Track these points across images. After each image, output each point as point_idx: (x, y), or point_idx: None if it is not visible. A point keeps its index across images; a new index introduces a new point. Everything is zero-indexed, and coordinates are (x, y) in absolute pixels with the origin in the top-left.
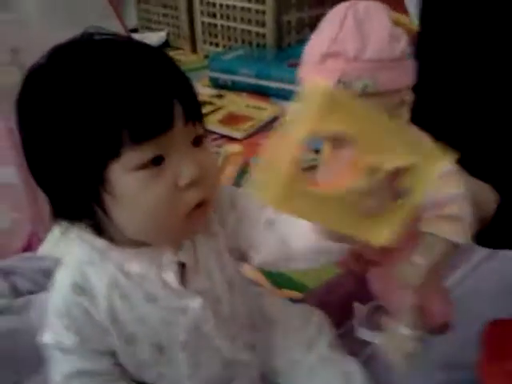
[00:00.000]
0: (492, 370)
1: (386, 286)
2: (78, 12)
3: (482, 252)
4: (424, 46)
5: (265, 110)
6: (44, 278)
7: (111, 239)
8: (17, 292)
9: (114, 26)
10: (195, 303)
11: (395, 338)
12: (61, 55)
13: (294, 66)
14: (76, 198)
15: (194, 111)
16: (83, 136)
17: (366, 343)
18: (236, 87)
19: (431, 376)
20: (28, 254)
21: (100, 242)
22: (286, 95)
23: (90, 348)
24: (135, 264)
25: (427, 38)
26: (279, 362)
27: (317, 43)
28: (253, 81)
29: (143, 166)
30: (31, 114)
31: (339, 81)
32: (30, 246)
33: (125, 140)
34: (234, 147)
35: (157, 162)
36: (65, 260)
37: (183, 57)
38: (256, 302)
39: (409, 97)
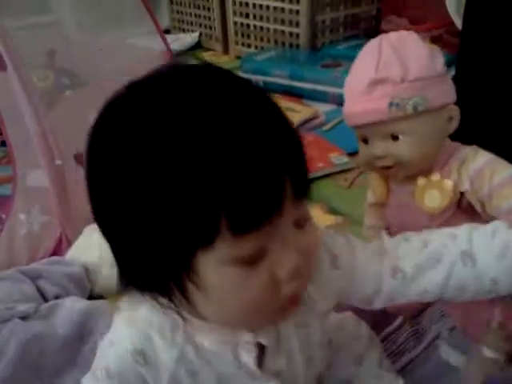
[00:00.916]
0: None
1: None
2: (112, 14)
3: None
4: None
5: (298, 111)
6: (70, 283)
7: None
8: (43, 296)
9: (148, 27)
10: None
11: (479, 360)
12: (146, 106)
13: (328, 67)
14: (153, 274)
15: (305, 186)
16: (172, 213)
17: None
18: (268, 88)
19: None
20: (56, 259)
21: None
22: (319, 96)
23: None
24: (209, 340)
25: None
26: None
27: (358, 76)
28: (286, 82)
29: (240, 261)
30: (109, 175)
31: (391, 104)
32: (58, 250)
33: (222, 227)
34: None
35: (257, 255)
36: (128, 314)
37: (215, 58)
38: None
39: (455, 112)
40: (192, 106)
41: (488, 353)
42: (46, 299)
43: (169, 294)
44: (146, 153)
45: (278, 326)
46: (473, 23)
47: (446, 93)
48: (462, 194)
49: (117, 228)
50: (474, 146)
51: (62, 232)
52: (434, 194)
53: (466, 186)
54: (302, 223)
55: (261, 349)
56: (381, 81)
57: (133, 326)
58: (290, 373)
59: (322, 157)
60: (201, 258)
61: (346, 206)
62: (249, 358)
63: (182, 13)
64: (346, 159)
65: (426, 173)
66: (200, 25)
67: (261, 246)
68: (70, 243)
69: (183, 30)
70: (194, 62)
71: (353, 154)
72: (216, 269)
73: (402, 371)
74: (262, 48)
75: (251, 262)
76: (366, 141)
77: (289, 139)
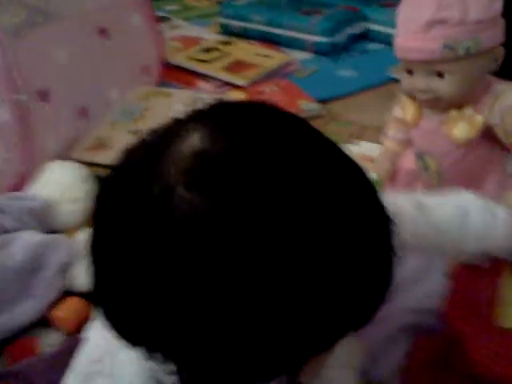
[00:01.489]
0: (456, 314)
1: None
2: None
3: None
4: None
5: (272, 58)
6: (31, 217)
7: None
8: (2, 229)
9: None
10: None
11: None
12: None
13: (308, 13)
14: None
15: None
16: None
17: None
18: (247, 34)
19: (402, 318)
20: (17, 194)
21: None
22: (296, 44)
23: None
24: None
25: None
26: None
27: (417, 12)
28: (264, 28)
29: None
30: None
31: (445, 45)
32: (21, 186)
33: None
34: (238, 94)
35: None
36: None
37: (196, 2)
38: None
39: (501, 52)
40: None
41: None
42: (4, 232)
43: None
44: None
45: None
46: None
47: (498, 35)
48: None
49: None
50: (509, 82)
51: (25, 168)
52: (463, 126)
53: (496, 120)
54: None
55: None
56: (439, 21)
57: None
58: None
59: (291, 103)
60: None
61: None
62: None
63: None
64: (315, 106)
65: (460, 105)
66: None
67: None
68: (30, 180)
69: None
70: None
71: (323, 101)
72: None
73: None
74: None
75: None
76: (410, 72)
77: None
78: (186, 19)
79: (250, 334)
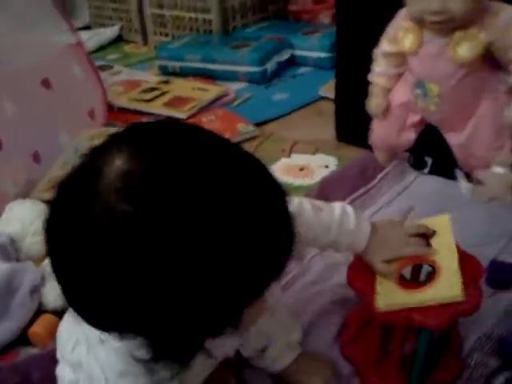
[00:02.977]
0: (354, 276)
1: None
2: (26, 17)
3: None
4: None
5: (208, 91)
6: None
7: None
8: None
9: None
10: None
11: (494, 179)
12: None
13: (237, 48)
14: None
15: None
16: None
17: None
18: (184, 72)
19: (332, 296)
20: None
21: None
22: (230, 76)
23: None
24: None
25: None
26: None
27: None
28: (199, 65)
29: None
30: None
31: None
32: None
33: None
34: None
35: None
36: (109, 370)
37: (135, 49)
38: None
39: None
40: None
41: (499, 170)
42: None
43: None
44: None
45: None
46: None
47: None
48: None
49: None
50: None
51: None
52: (467, 46)
53: (497, 36)
54: None
55: None
56: None
57: (134, 367)
58: None
59: (230, 128)
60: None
61: None
62: None
63: (100, 8)
64: (251, 128)
65: (464, 26)
66: (119, 18)
67: None
68: None
69: (104, 25)
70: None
71: (260, 124)
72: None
73: (284, 286)
74: (179, 36)
75: None
76: None
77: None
78: (127, 65)
79: (190, 295)
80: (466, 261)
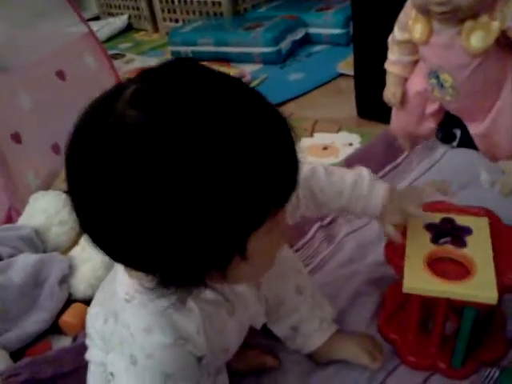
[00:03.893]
0: (394, 252)
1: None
2: (35, 9)
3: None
4: None
5: None
6: (23, 243)
7: None
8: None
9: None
10: (251, 294)
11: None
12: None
13: (249, 29)
14: (198, 271)
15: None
16: (230, 214)
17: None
18: (197, 57)
19: (368, 274)
20: (7, 226)
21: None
22: (245, 58)
23: None
24: (209, 292)
25: None
26: (270, 298)
27: None
28: (212, 49)
29: (270, 231)
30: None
31: None
32: (9, 220)
33: (271, 209)
34: None
35: (275, 227)
36: (137, 326)
37: (146, 37)
38: None
39: None
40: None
41: None
42: (1, 259)
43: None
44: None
45: None
46: None
47: None
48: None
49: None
50: None
51: (11, 205)
52: (479, 35)
53: (508, 23)
54: None
55: None
56: None
57: (154, 331)
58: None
59: None
60: (252, 236)
61: None
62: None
63: None
64: None
65: (474, 15)
66: (128, 7)
67: (279, 217)
68: (19, 213)
69: (112, 15)
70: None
71: (278, 105)
72: (260, 240)
73: (316, 267)
74: (189, 21)
75: (273, 228)
76: None
77: (292, 139)
78: (139, 53)
79: (194, 210)
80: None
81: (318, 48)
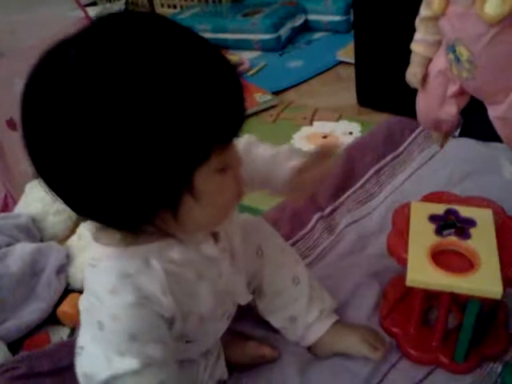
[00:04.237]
0: (397, 244)
1: None
2: None
3: None
4: None
5: None
6: (19, 232)
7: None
8: None
9: (68, 2)
10: (226, 263)
11: None
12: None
13: (248, 15)
14: (150, 206)
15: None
16: (178, 146)
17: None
18: None
19: (369, 266)
20: (4, 214)
21: (127, 239)
22: (243, 45)
23: (169, 351)
24: (173, 251)
25: None
26: (266, 289)
27: None
28: (210, 35)
29: (221, 169)
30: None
31: None
32: (6, 208)
33: (215, 143)
34: None
35: (228, 165)
36: (102, 289)
37: None
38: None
39: None
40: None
41: None
42: None
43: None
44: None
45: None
46: None
47: None
48: None
49: (105, 169)
50: None
51: (7, 192)
52: (494, 2)
53: None
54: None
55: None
56: None
57: (118, 292)
58: (232, 252)
59: (248, 98)
60: (199, 172)
61: (271, 137)
62: (209, 247)
63: None
64: (269, 97)
65: None
66: None
67: (229, 157)
68: (15, 201)
69: (109, 1)
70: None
71: (277, 92)
72: (209, 178)
73: (317, 257)
74: (187, 7)
75: (226, 169)
76: None
77: (236, 72)
78: None
79: (134, 152)
80: None
81: (317, 35)
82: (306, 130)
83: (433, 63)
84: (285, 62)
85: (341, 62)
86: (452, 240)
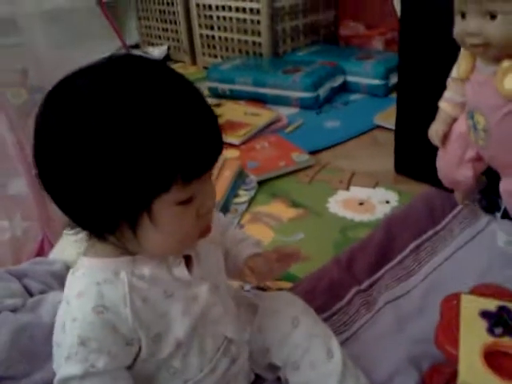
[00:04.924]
0: (446, 339)
1: None
2: (80, 32)
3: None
4: None
5: (261, 116)
6: (53, 279)
7: (120, 249)
8: (29, 293)
9: (116, 44)
10: (203, 289)
11: None
12: (105, 81)
13: (289, 72)
14: (111, 217)
15: (222, 150)
16: (142, 173)
17: (353, 322)
18: (234, 96)
19: (408, 351)
20: (39, 259)
21: (111, 252)
22: (281, 101)
23: (117, 366)
24: (147, 268)
25: None
26: (269, 341)
27: None
28: (250, 88)
29: (182, 202)
30: (75, 142)
31: None
32: (41, 252)
33: (177, 179)
34: (232, 152)
35: (191, 198)
36: (72, 292)
37: (183, 70)
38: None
39: None
40: (141, 90)
41: None
42: (31, 295)
43: (118, 233)
44: (108, 123)
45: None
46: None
47: None
48: None
49: (76, 180)
50: None
51: (44, 235)
52: None
53: None
54: (211, 176)
55: (186, 262)
56: None
57: (82, 295)
58: (213, 280)
59: (285, 156)
60: (159, 200)
61: (307, 199)
62: (181, 270)
63: (150, 27)
64: (306, 157)
65: None
66: (168, 38)
67: (194, 192)
68: (51, 245)
69: (152, 44)
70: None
71: (313, 152)
72: (167, 207)
73: (353, 335)
74: (228, 58)
75: (187, 202)
76: (463, 15)
77: (213, 116)
78: None
79: (104, 168)
80: None
81: (354, 97)
82: (342, 195)
83: (456, 124)
84: (322, 122)
85: (378, 126)
86: (506, 342)
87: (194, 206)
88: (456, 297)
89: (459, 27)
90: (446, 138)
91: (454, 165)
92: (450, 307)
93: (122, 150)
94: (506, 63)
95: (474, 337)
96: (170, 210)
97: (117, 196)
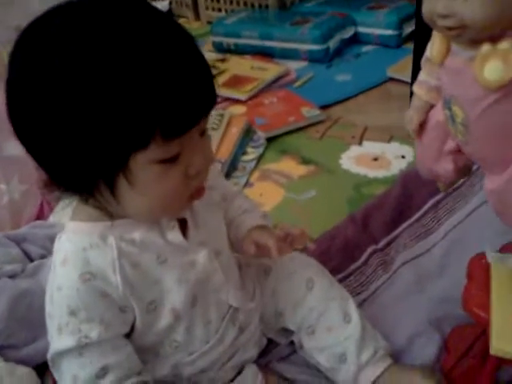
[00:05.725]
0: (475, 301)
1: None
2: None
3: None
4: None
5: (268, 70)
6: (53, 244)
7: (107, 213)
8: (29, 258)
9: None
10: (201, 255)
11: None
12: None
13: (297, 24)
14: (86, 174)
15: (212, 105)
16: (115, 125)
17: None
18: (240, 50)
19: (429, 312)
20: (38, 222)
21: (98, 217)
22: (290, 54)
23: (112, 335)
24: (138, 233)
25: None
26: (282, 305)
27: None
28: (256, 42)
29: (164, 161)
30: (50, 91)
31: None
32: (41, 214)
33: (156, 135)
34: (239, 109)
35: (175, 157)
36: (58, 259)
37: (187, 25)
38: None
39: None
40: (121, 30)
41: None
42: (31, 260)
43: (97, 194)
44: (87, 67)
45: (190, 207)
46: None
47: None
48: None
49: (54, 136)
50: None
51: (43, 199)
52: (496, 66)
53: None
54: (204, 133)
55: (182, 226)
56: None
57: (67, 262)
58: (214, 246)
59: (294, 111)
60: (136, 158)
61: (318, 155)
62: (175, 234)
63: None
64: (317, 112)
65: (495, 39)
66: None
67: (178, 150)
68: (51, 208)
69: (153, 0)
70: None
71: (324, 107)
72: (146, 166)
73: (370, 296)
74: (233, 11)
75: (171, 161)
76: None
77: (204, 65)
78: None
79: (79, 120)
80: None
81: (366, 48)
82: (355, 150)
83: (433, 111)
84: (332, 75)
85: (391, 79)
86: None
87: (180, 165)
88: (484, 257)
89: (427, 7)
90: (422, 127)
91: (432, 158)
92: (479, 268)
93: (92, 96)
94: (485, 47)
95: (506, 302)
96: (150, 170)
97: (89, 150)
